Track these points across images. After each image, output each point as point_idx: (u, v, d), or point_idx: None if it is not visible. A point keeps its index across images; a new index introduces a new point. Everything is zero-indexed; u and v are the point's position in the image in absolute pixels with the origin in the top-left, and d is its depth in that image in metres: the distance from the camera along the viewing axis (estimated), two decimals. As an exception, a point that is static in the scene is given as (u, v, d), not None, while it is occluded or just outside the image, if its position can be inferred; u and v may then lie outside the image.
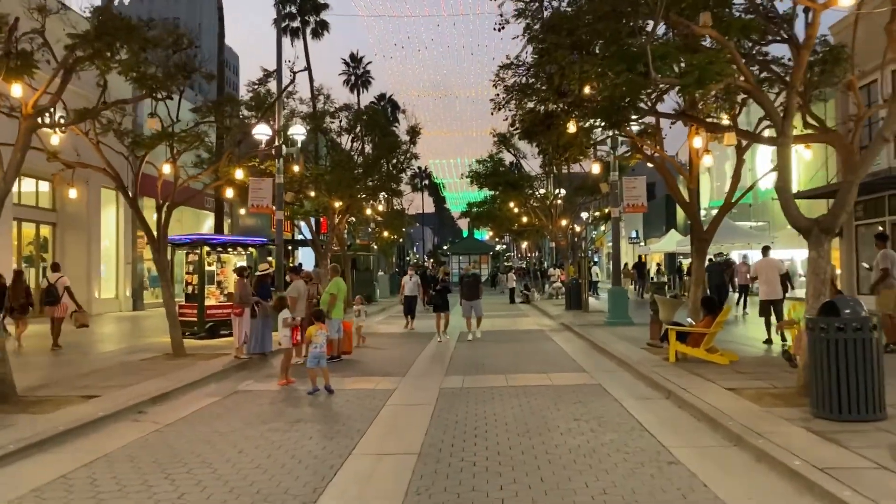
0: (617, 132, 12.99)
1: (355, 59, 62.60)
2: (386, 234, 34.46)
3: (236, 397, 10.09)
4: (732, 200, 12.84)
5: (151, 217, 16.52)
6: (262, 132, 19.28)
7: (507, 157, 31.47)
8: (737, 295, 24.81)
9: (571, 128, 11.28)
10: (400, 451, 6.88)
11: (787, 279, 16.15)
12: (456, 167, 37.28)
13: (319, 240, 25.07)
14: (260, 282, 14.41)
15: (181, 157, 14.21)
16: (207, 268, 17.24)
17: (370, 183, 24.46)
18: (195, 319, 16.83)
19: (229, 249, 17.75)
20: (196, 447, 7.15)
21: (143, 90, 11.91)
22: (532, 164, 36.03)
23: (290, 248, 44.75)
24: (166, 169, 13.86)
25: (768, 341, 14.22)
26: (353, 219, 35.58)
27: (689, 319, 12.19)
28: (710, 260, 29.23)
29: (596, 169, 16.21)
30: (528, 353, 14.37)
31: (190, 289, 17.34)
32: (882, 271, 11.47)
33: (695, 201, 12.88)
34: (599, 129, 12.39)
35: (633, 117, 9.82)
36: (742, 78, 7.97)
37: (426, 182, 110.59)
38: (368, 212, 26.58)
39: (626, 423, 7.91)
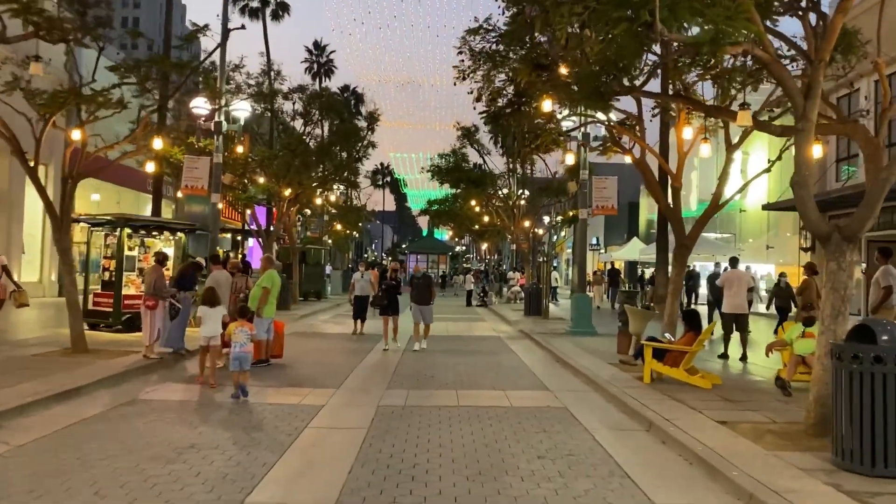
0: (595, 116, 11.45)
1: (318, 47, 60.45)
2: (339, 227, 32.57)
3: (128, 409, 8.27)
4: (720, 202, 11.46)
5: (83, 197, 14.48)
6: (199, 106, 17.43)
7: (472, 155, 29.99)
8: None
9: (546, 106, 9.75)
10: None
11: (753, 293, 15.17)
12: (418, 162, 36.12)
13: (265, 230, 23.10)
14: (182, 272, 12.56)
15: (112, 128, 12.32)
16: (128, 252, 15.29)
17: (322, 171, 22.58)
18: (111, 310, 14.88)
19: (154, 233, 15.80)
20: (39, 483, 5.38)
21: (30, 27, 9.95)
22: (496, 161, 34.50)
23: (238, 237, 42.63)
24: (75, 135, 11.91)
25: (724, 356, 13.00)
26: (308, 210, 33.72)
27: (668, 335, 10.77)
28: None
29: (570, 159, 14.74)
30: (483, 364, 12.80)
31: (107, 275, 15.37)
32: (884, 290, 10.19)
33: (678, 202, 11.49)
34: (578, 112, 10.94)
35: (626, 83, 8.29)
36: (760, 46, 6.51)
37: (388, 179, 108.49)
38: (319, 202, 24.71)
39: (601, 464, 6.36)
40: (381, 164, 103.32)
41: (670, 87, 9.93)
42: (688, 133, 11.03)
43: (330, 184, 22.62)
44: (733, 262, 14.64)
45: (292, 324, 20.22)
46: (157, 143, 13.63)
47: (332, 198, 28.02)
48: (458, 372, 11.63)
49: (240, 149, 20.54)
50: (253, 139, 23.18)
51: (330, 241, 40.42)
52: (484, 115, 12.31)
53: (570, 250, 51.55)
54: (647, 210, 48.31)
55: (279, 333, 12.41)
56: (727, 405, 8.56)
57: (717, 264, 30.24)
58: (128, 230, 14.98)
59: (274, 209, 25.67)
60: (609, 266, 28.81)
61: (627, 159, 12.15)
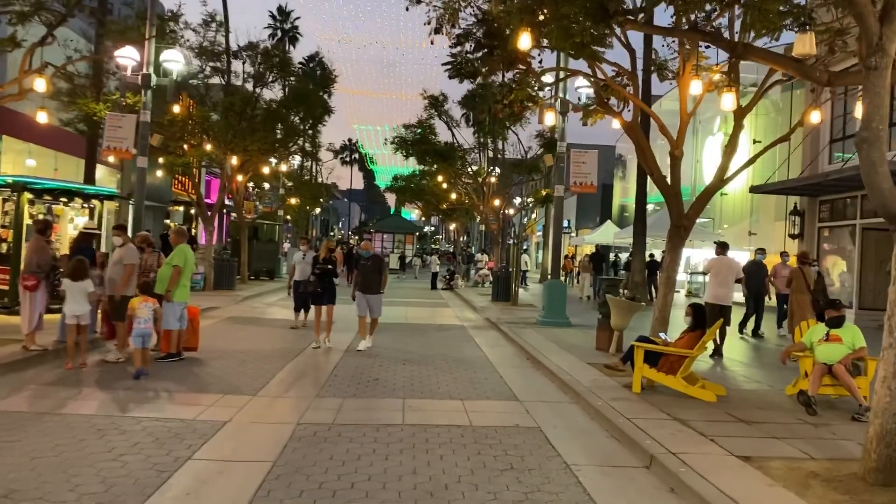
0: (578, 73, 9.50)
1: (283, 13, 57.51)
2: (294, 201, 30.26)
3: (-44, 426, 6.17)
4: (726, 177, 9.59)
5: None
6: (127, 55, 15.09)
7: (440, 129, 27.89)
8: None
9: (524, 42, 7.71)
10: None
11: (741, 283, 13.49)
12: (384, 136, 34.04)
13: (198, 202, 20.77)
14: (77, 244, 10.37)
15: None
16: (30, 221, 12.98)
17: (272, 137, 20.28)
18: (6, 288, 12.63)
19: (63, 200, 13.50)
20: None
21: None
22: (466, 136, 32.42)
23: (192, 211, 39.95)
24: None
25: (717, 353, 11.48)
26: (265, 184, 31.31)
27: (663, 335, 8.91)
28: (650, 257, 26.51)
29: (549, 119, 12.78)
30: (441, 362, 10.84)
31: (4, 247, 13.08)
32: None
33: (678, 174, 9.62)
34: (560, 68, 8.97)
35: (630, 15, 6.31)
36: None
37: (355, 156, 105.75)
38: (267, 171, 22.46)
39: (592, 530, 4.46)
40: (349, 141, 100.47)
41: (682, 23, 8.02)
42: (696, 87, 9.08)
43: (281, 151, 20.34)
44: (722, 247, 12.90)
45: (231, 307, 18.08)
46: (40, 85, 11.32)
47: (284, 167, 25.70)
48: (410, 373, 9.66)
49: (176, 108, 18.18)
50: (201, 103, 20.79)
51: (288, 216, 38.09)
52: (448, 66, 10.25)
53: (540, 233, 49.86)
54: (621, 194, 46.76)
55: (194, 321, 10.31)
56: (744, 429, 6.72)
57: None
58: (28, 195, 12.68)
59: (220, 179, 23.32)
60: (593, 250, 26.57)
61: (615, 125, 10.23)
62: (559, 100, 14.56)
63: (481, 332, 15.03)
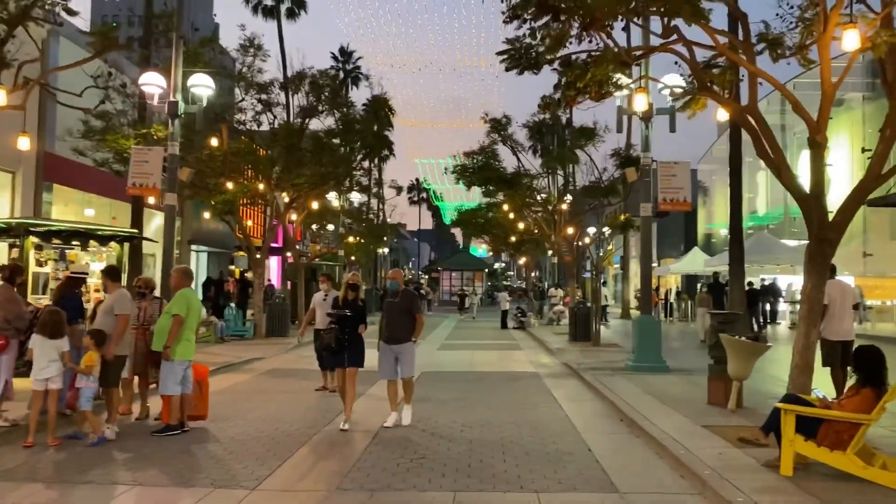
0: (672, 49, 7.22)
1: (345, 53, 57.11)
2: (352, 239, 28.60)
3: None
4: (882, 172, 7.04)
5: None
6: (152, 82, 13.69)
7: (505, 155, 25.77)
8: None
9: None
10: None
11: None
12: (448, 167, 32.43)
13: (247, 245, 19.17)
14: (60, 292, 8.62)
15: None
16: (36, 268, 11.50)
17: (320, 169, 18.58)
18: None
19: (75, 243, 11.98)
20: None
21: None
22: (532, 161, 30.20)
23: (258, 256, 38.83)
24: None
25: None
26: (322, 225, 29.84)
27: (819, 392, 6.35)
28: (750, 285, 23.46)
29: (640, 103, 10.46)
30: (510, 426, 8.52)
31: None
32: None
33: (821, 168, 7.12)
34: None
35: None
36: None
37: (423, 195, 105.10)
38: (315, 206, 20.80)
39: None
40: (416, 181, 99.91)
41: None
42: (851, 40, 6.58)
43: (331, 185, 18.66)
44: (832, 270, 10.12)
45: (278, 357, 16.20)
46: None
47: (337, 203, 24.06)
48: (468, 448, 7.38)
49: (214, 141, 16.72)
50: (247, 137, 19.38)
51: (352, 256, 36.57)
52: (504, 56, 8.15)
53: (617, 264, 46.83)
54: (706, 220, 43.39)
55: (202, 383, 8.35)
56: None
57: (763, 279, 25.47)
58: (33, 239, 11.20)
59: (275, 219, 21.81)
60: (711, 279, 22.39)
61: (722, 115, 7.88)
62: (643, 93, 12.20)
63: (560, 382, 12.59)
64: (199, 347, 17.59)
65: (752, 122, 7.49)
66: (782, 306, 28.31)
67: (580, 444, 7.55)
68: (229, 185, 17.78)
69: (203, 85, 14.08)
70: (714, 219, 41.79)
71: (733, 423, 7.98)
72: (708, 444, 6.97)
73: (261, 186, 18.78)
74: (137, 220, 21.25)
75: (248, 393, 10.92)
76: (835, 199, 25.96)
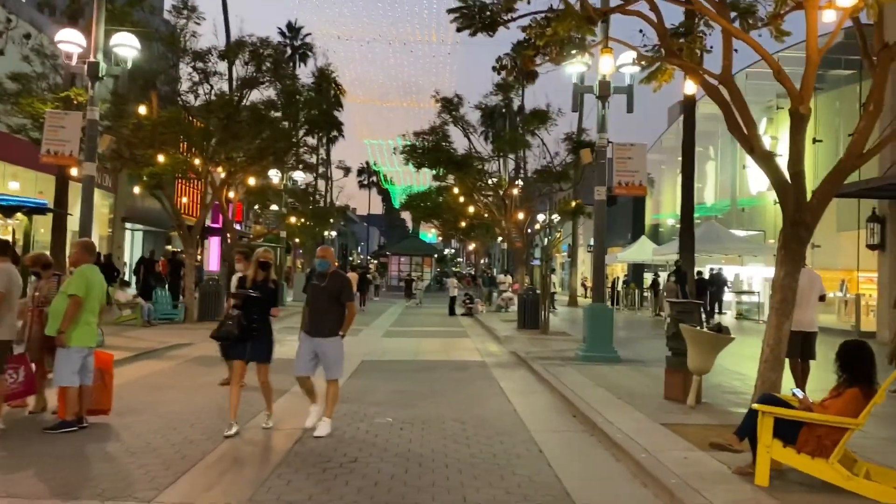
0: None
1: (293, 29, 55.28)
2: (294, 219, 27.34)
3: None
4: (864, 151, 6.42)
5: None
6: (69, 40, 12.44)
7: (456, 137, 24.97)
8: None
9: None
10: None
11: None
12: (397, 149, 31.08)
13: (178, 222, 17.89)
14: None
15: None
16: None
17: (259, 143, 17.40)
18: None
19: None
20: None
21: None
22: (484, 144, 29.37)
23: (197, 236, 36.95)
24: None
25: None
26: (265, 205, 28.49)
27: (797, 391, 5.73)
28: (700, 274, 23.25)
29: (606, 64, 9.69)
30: (454, 423, 7.76)
31: None
32: None
33: (801, 143, 6.48)
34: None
35: None
36: None
37: (373, 179, 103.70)
38: (252, 182, 19.59)
39: None
40: (366, 164, 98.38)
41: None
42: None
43: (270, 161, 17.52)
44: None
45: (210, 343, 15.05)
46: None
47: (277, 180, 22.84)
48: (407, 448, 6.58)
49: (143, 109, 15.46)
50: (162, 97, 17.94)
51: (297, 239, 35.31)
52: (456, 14, 7.31)
53: (565, 252, 46.62)
54: (653, 209, 43.45)
55: (105, 373, 7.33)
56: None
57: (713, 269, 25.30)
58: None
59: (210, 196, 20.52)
60: (674, 266, 21.31)
61: (689, 88, 7.21)
62: (608, 54, 11.41)
63: (508, 373, 11.90)
64: (122, 331, 16.47)
65: (725, 93, 6.83)
66: (728, 296, 28.36)
67: (530, 444, 6.82)
68: (160, 158, 16.50)
69: (127, 45, 12.85)
70: (661, 209, 41.85)
71: (694, 422, 7.38)
72: (670, 445, 6.33)
73: (196, 161, 17.54)
74: (62, 194, 19.74)
75: (167, 383, 9.90)
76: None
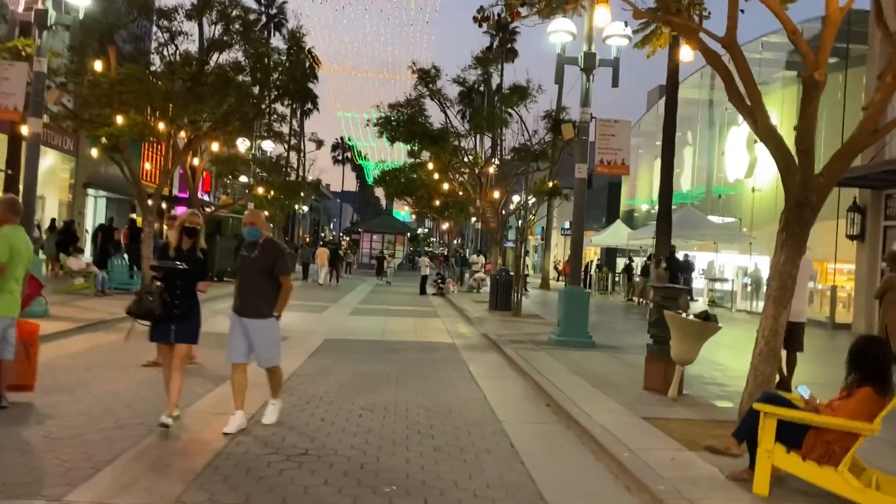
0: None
1: (268, -5, 53.66)
2: (261, 190, 26.30)
3: None
4: (878, 128, 5.85)
5: None
6: (14, -17, 11.41)
7: (433, 111, 24.17)
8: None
9: None
10: None
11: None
12: (372, 123, 29.88)
13: (137, 188, 16.91)
14: None
15: None
16: None
17: (224, 107, 16.43)
18: None
19: None
20: None
21: None
22: (462, 124, 28.51)
23: (164, 204, 35.62)
24: None
25: (779, 384, 7.82)
26: (233, 175, 27.44)
27: (804, 389, 5.16)
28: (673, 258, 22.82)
29: (603, 18, 9.05)
30: (420, 410, 7.15)
31: None
32: None
33: (814, 114, 5.87)
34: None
35: None
36: None
37: (347, 155, 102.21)
38: (215, 148, 18.60)
39: None
40: (340, 139, 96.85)
41: None
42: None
43: (233, 125, 16.56)
44: None
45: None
46: None
47: (244, 149, 21.86)
48: (366, 438, 5.95)
49: (98, 65, 14.46)
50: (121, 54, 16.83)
51: (266, 212, 34.22)
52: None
53: (539, 235, 46.19)
54: (628, 194, 43.12)
55: (29, 346, 6.55)
56: None
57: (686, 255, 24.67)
58: None
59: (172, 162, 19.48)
60: (669, 253, 20.07)
61: (686, 54, 6.57)
62: (604, 4, 10.69)
63: (478, 356, 11.30)
64: (73, 300, 15.55)
65: (732, 53, 6.19)
66: (700, 283, 28.09)
67: (501, 437, 6.22)
68: (119, 119, 15.49)
69: (79, -9, 11.87)
70: (637, 194, 41.53)
71: (678, 416, 6.84)
72: (655, 443, 5.77)
73: (161, 125, 16.50)
74: (15, 154, 18.57)
75: (108, 360, 9.08)
76: (764, 179, 25.35)
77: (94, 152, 18.47)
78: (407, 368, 9.63)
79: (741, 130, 29.35)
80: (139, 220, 24.79)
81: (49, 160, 27.37)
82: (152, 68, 16.22)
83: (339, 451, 5.50)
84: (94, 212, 32.47)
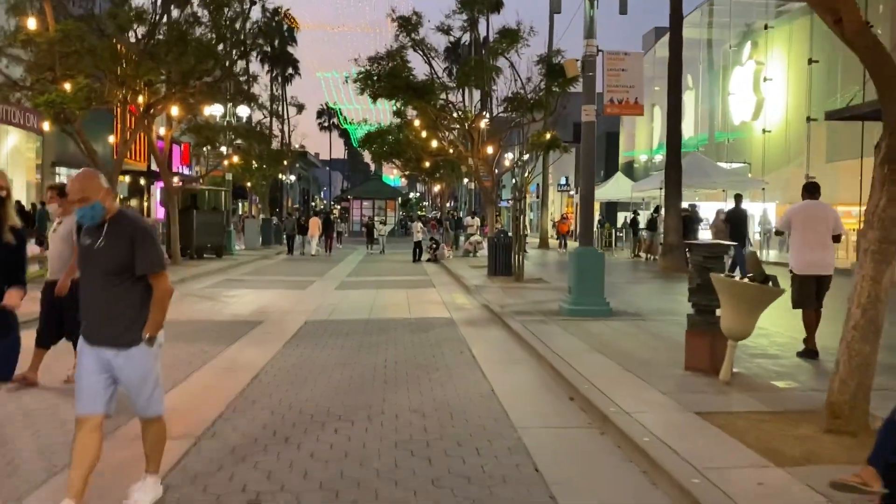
0: None
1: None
2: (237, 159, 24.54)
3: None
4: None
5: None
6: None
7: (416, 63, 22.31)
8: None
9: None
10: None
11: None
12: (352, 82, 27.99)
13: (90, 157, 15.21)
14: None
15: None
16: None
17: (184, 67, 14.64)
18: None
19: None
20: None
21: None
22: (449, 82, 26.57)
23: (142, 181, 33.77)
24: None
25: (808, 353, 7.26)
26: (212, 144, 25.64)
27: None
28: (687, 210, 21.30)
29: None
30: (411, 419, 5.69)
31: None
32: None
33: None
34: None
35: None
36: None
37: (334, 121, 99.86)
38: (175, 112, 16.79)
39: None
40: (326, 105, 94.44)
41: None
42: None
43: (191, 85, 14.76)
44: (811, 190, 7.75)
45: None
46: None
47: (210, 112, 20.03)
48: (341, 461, 4.49)
49: (31, 22, 12.68)
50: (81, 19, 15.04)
51: (248, 183, 32.55)
52: None
53: (534, 192, 44.57)
54: (625, 146, 41.39)
55: None
56: None
57: (693, 205, 22.94)
58: None
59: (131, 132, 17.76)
60: (732, 205, 18.12)
61: None
62: None
63: (481, 333, 9.83)
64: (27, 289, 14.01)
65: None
66: (706, 234, 26.60)
67: (520, 454, 4.75)
68: (66, 86, 13.74)
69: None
70: (635, 145, 39.84)
71: (740, 408, 5.39)
72: (726, 455, 4.31)
73: (116, 91, 14.73)
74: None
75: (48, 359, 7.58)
76: (775, 118, 23.47)
77: (46, 126, 16.78)
78: (397, 355, 8.15)
79: (746, 70, 27.63)
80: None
81: (12, 139, 25.64)
82: (95, 22, 14.36)
83: (309, 479, 4.06)
84: (64, 192, 30.83)
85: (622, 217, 33.90)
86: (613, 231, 31.02)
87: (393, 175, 73.73)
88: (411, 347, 8.65)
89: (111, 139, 21.99)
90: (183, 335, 9.15)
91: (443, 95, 21.24)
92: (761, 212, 24.06)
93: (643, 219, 25.60)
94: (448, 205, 49.47)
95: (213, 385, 6.67)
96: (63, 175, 30.22)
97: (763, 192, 23.46)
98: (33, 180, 27.71)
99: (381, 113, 41.28)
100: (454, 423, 5.44)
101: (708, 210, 26.80)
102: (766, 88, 25.41)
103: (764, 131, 24.65)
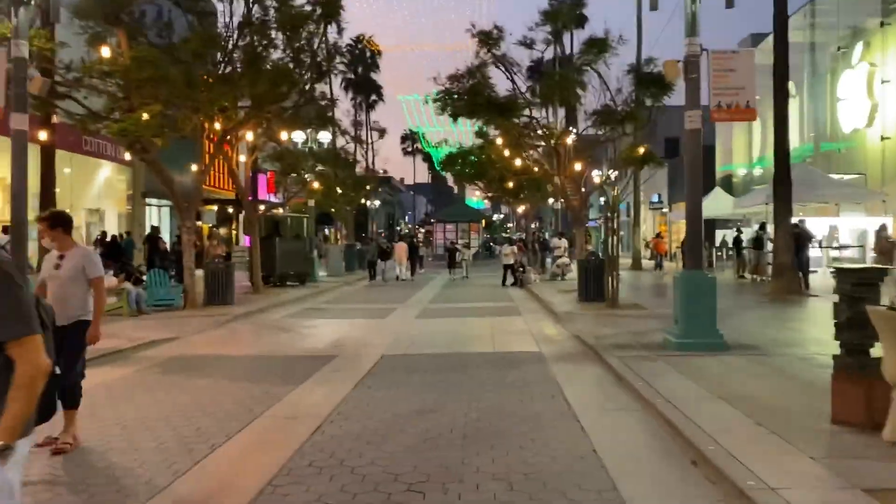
0: None
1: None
2: (317, 185, 24.22)
3: None
4: None
5: None
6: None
7: (498, 79, 21.50)
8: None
9: None
10: None
11: None
12: (430, 99, 27.43)
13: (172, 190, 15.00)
14: None
15: None
16: None
17: (255, 90, 14.24)
18: None
19: None
20: None
21: None
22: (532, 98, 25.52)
23: (230, 209, 34.34)
24: None
25: None
26: (297, 172, 25.55)
27: None
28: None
29: None
30: (493, 491, 4.65)
31: None
32: None
33: None
34: None
35: None
36: None
37: (417, 145, 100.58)
38: (249, 137, 16.45)
39: None
40: (409, 130, 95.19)
41: None
42: None
43: (266, 110, 14.37)
44: None
45: (204, 334, 12.27)
46: None
47: (288, 137, 19.67)
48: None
49: (106, 51, 12.53)
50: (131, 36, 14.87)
51: (332, 209, 32.42)
52: None
53: (623, 211, 42.67)
54: (722, 160, 39.02)
55: None
56: None
57: (802, 221, 20.73)
58: None
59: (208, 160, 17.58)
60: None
61: None
62: None
63: (574, 371, 8.67)
64: (103, 323, 13.83)
65: None
66: (816, 252, 24.35)
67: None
68: (144, 116, 13.55)
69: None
70: (733, 158, 37.50)
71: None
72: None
73: (193, 118, 14.47)
74: (48, 176, 16.99)
75: (86, 409, 6.96)
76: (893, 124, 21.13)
77: (127, 156, 16.81)
78: (479, 401, 7.11)
79: (857, 73, 25.33)
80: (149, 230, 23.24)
81: (105, 172, 26.43)
82: (164, 47, 14.13)
83: None
84: (159, 222, 31.54)
85: (720, 235, 31.79)
86: (713, 251, 29.02)
87: (476, 197, 73.15)
88: (495, 390, 7.59)
89: (194, 168, 22.08)
90: (250, 374, 8.47)
91: (526, 112, 20.30)
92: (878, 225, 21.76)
93: (746, 236, 23.68)
94: (533, 225, 48.14)
95: (269, 440, 5.85)
96: (154, 204, 31.06)
97: (884, 203, 21.19)
98: (124, 211, 28.47)
99: (463, 135, 40.62)
100: (547, 495, 4.36)
101: (817, 226, 24.65)
102: (882, 92, 23.13)
103: (883, 138, 22.34)
